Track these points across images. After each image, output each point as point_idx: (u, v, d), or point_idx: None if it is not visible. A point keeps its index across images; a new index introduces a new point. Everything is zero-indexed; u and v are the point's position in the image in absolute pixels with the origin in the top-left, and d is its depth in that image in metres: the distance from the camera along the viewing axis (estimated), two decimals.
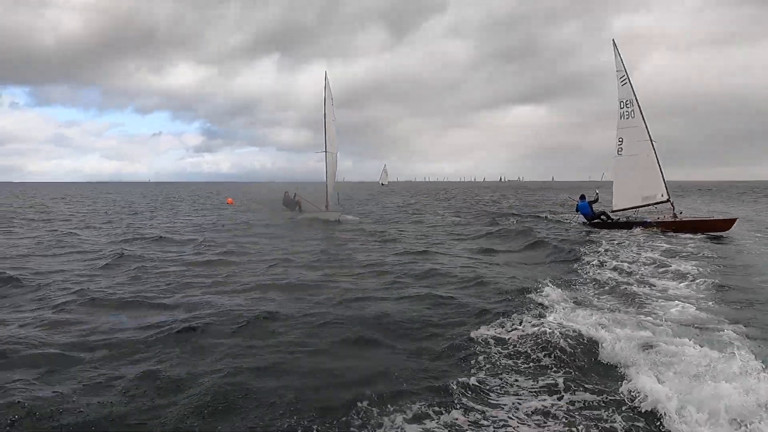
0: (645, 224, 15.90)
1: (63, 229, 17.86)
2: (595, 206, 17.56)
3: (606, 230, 16.22)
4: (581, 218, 17.94)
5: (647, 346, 4.87)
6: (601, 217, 17.27)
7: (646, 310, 6.64)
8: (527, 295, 7.08)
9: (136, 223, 20.56)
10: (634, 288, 7.88)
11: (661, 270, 9.42)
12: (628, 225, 16.28)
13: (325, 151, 21.27)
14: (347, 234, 16.72)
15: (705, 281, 8.32)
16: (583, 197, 17.74)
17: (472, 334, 5.50)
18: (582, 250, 11.66)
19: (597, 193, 18.08)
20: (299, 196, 22.81)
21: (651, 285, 8.25)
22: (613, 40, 17.16)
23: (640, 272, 9.22)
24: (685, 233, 14.72)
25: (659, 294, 7.59)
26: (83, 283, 8.43)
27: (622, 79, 17.16)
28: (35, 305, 7.02)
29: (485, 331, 5.60)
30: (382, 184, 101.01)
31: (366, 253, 12.13)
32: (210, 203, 39.75)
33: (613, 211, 17.29)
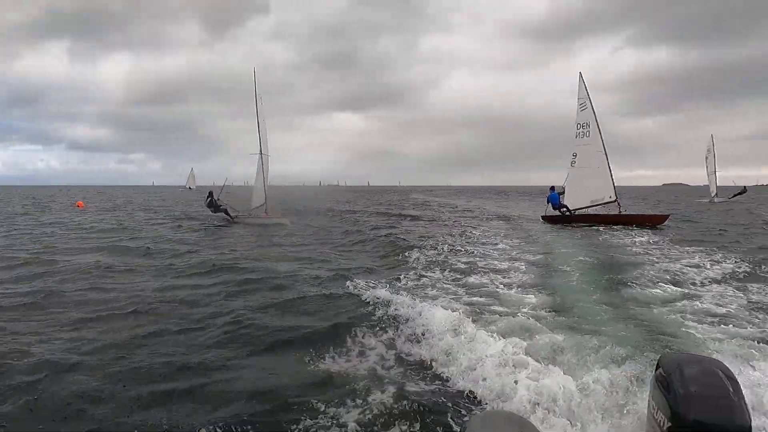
0: (601, 217, 20.27)
1: None
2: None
3: (560, 225, 20.34)
4: (549, 208, 21.98)
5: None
6: (562, 210, 21.50)
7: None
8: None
9: None
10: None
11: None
12: (590, 218, 20.57)
13: (260, 153, 21.41)
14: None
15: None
16: (553, 188, 21.79)
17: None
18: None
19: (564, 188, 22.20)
20: (222, 200, 22.43)
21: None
22: (580, 73, 21.78)
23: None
24: (632, 226, 19.07)
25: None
26: None
27: (582, 106, 21.68)
28: None
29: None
30: (189, 188, 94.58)
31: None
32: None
33: (569, 210, 21.55)
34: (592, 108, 21.44)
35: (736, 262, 10.21)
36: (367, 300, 7.10)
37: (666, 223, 19.84)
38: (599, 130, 21.27)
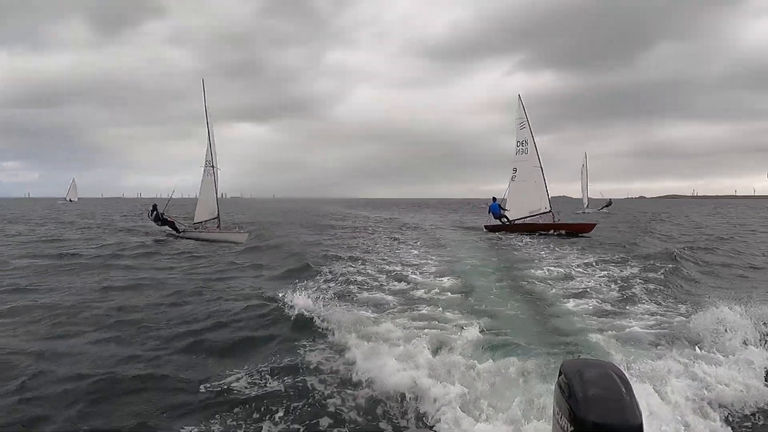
0: (538, 226, 22.55)
1: None
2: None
3: (501, 233, 22.35)
4: (491, 218, 23.83)
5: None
6: (502, 219, 23.58)
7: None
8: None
9: None
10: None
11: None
12: (527, 226, 22.77)
13: (213, 166, 20.96)
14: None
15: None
16: (494, 199, 23.62)
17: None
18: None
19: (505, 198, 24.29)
20: (168, 214, 21.48)
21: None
22: (519, 95, 24.08)
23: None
24: (568, 232, 21.51)
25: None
26: None
27: (521, 125, 23.98)
28: None
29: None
30: (70, 200, 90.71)
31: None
32: None
33: (509, 219, 23.67)
34: (530, 127, 23.82)
35: (631, 268, 11.13)
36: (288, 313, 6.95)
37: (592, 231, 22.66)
38: (536, 147, 23.71)
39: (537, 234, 21.36)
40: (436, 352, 5.14)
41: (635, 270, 10.92)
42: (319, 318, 6.41)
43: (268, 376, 4.87)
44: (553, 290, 8.94)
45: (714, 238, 20.76)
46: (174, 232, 21.05)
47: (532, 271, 10.97)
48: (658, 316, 6.94)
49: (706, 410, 4.01)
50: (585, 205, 49.74)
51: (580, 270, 11.25)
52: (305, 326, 6.32)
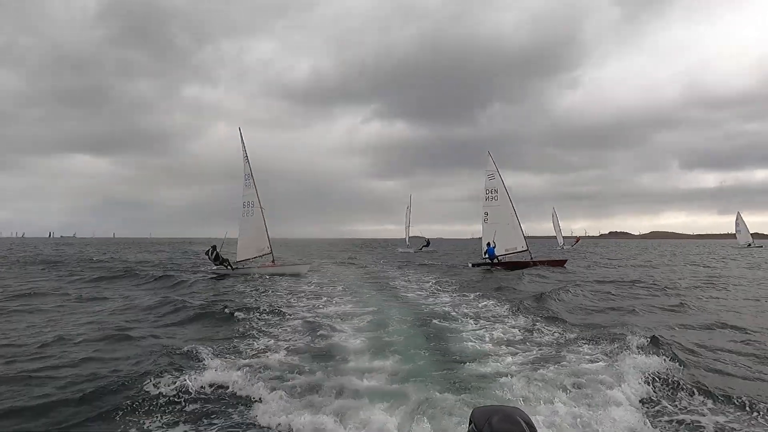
0: (520, 263, 25.53)
1: None
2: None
3: (489, 269, 25.12)
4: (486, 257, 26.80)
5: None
6: (496, 259, 26.24)
7: None
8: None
9: None
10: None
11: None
12: (507, 264, 25.65)
13: (261, 207, 22.74)
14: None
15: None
16: (489, 244, 26.87)
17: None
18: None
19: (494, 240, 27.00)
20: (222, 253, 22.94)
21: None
22: (489, 151, 27.84)
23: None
24: (547, 266, 24.84)
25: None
26: None
27: (490, 176, 27.61)
28: None
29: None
30: None
31: None
32: None
33: (498, 257, 26.53)
34: (501, 178, 27.55)
35: (525, 314, 10.93)
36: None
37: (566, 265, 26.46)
38: (508, 194, 27.29)
39: (521, 269, 24.42)
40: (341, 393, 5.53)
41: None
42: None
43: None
44: (464, 334, 8.90)
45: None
46: (227, 270, 22.21)
47: (444, 321, 10.42)
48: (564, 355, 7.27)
49: None
50: (407, 244, 57.43)
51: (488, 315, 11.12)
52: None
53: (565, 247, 59.53)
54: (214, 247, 22.82)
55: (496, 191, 27.79)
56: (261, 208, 22.48)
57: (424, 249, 53.59)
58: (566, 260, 28.13)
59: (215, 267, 22.54)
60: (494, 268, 25.71)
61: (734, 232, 70.96)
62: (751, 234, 67.96)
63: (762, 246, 74.12)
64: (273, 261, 22.36)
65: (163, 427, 4.88)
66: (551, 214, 64.19)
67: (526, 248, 27.09)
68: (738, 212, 71.29)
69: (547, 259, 29.36)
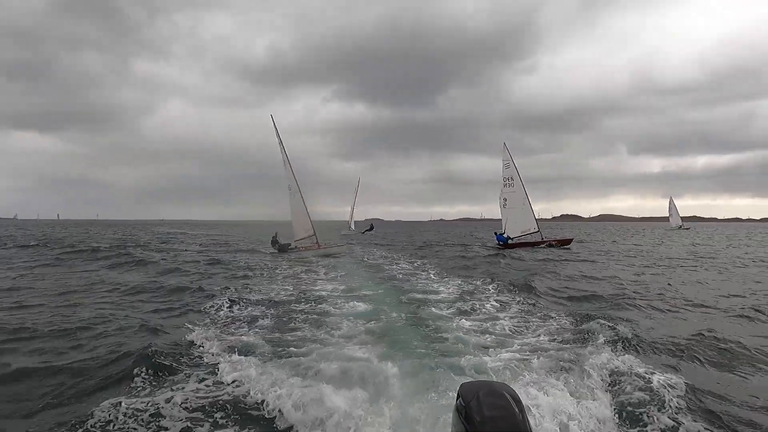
0: (535, 243, 29.28)
1: None
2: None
3: (509, 249, 28.57)
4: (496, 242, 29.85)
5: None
6: (509, 240, 29.79)
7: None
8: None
9: None
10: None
11: None
12: (528, 243, 29.34)
13: (299, 191, 23.55)
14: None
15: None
16: (496, 233, 29.89)
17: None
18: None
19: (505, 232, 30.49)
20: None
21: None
22: (504, 143, 30.78)
23: None
24: (557, 245, 28.67)
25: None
26: None
27: (506, 165, 30.61)
28: None
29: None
30: None
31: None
32: None
33: (511, 237, 30.04)
34: (515, 167, 30.64)
35: (502, 290, 11.76)
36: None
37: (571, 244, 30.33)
38: (522, 182, 30.60)
39: (533, 249, 27.95)
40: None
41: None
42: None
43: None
44: (449, 312, 9.28)
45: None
46: (286, 252, 23.03)
47: (428, 298, 10.92)
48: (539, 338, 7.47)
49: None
50: (350, 227, 57.14)
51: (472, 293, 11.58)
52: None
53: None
54: (275, 236, 24.05)
55: (512, 179, 30.58)
56: (300, 192, 23.24)
57: (366, 233, 53.46)
58: (572, 239, 32.06)
59: (276, 251, 23.38)
60: (505, 250, 27.75)
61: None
62: (690, 216, 75.53)
63: (689, 228, 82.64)
64: (317, 243, 22.88)
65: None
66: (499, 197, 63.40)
67: (537, 229, 30.80)
68: (670, 197, 79.17)
69: (555, 239, 31.68)
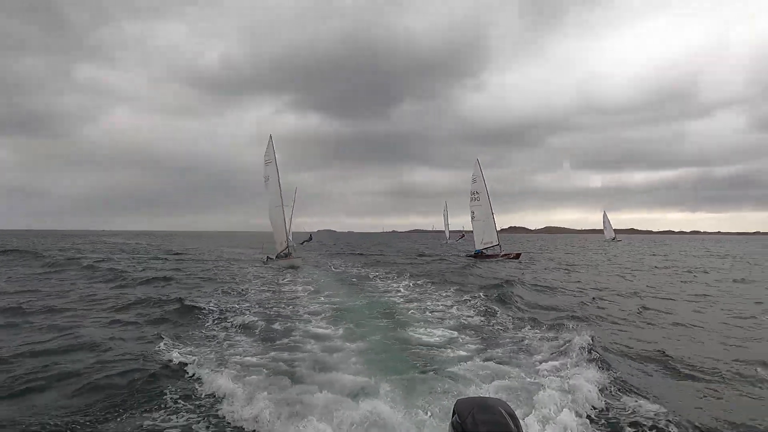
0: (495, 255, 31.20)
1: None
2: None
3: (475, 260, 30.43)
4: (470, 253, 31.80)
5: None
6: (482, 251, 31.67)
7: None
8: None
9: None
10: None
11: None
12: (490, 256, 31.23)
13: (282, 206, 25.50)
14: None
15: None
16: (477, 249, 32.07)
17: None
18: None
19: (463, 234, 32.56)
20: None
21: None
22: (477, 159, 32.67)
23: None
24: (511, 259, 30.72)
25: None
26: None
27: (474, 180, 32.50)
28: None
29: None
30: None
31: None
32: None
33: (479, 249, 32.00)
34: (484, 182, 32.54)
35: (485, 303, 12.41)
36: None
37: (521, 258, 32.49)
38: (488, 196, 32.55)
39: (494, 261, 29.89)
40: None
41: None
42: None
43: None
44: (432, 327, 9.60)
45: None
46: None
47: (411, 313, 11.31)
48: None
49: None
50: (288, 239, 58.44)
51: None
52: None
53: (449, 242, 60.64)
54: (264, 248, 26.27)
55: (478, 193, 32.63)
56: (283, 206, 25.35)
57: (305, 243, 55.48)
58: (521, 253, 34.35)
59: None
60: (477, 260, 30.41)
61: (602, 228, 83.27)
62: (627, 229, 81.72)
63: (621, 240, 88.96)
64: (290, 254, 25.26)
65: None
66: (443, 209, 63.95)
67: (497, 243, 32.77)
68: (604, 212, 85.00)
69: (506, 253, 33.36)
